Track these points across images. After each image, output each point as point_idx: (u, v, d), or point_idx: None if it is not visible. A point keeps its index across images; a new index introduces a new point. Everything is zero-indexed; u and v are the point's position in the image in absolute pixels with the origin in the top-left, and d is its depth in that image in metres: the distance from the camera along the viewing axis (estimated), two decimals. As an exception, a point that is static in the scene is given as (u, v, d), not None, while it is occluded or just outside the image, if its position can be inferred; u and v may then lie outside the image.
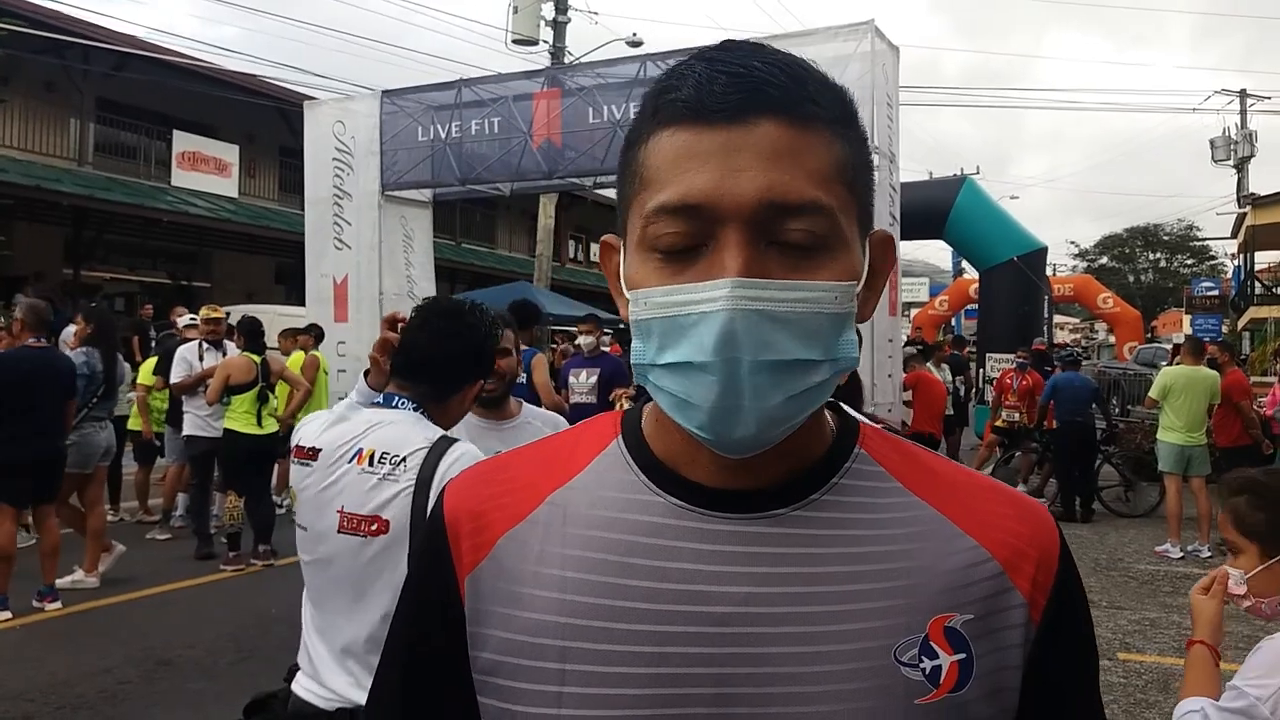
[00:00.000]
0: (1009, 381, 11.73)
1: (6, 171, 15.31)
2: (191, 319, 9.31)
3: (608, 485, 0.80)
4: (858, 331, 0.77)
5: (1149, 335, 32.43)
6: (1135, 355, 22.36)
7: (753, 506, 0.77)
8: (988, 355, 16.37)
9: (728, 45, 0.76)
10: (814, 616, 0.74)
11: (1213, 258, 45.55)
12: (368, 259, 9.69)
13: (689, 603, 0.75)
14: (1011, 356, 12.88)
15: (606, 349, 8.45)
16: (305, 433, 2.22)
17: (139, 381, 8.76)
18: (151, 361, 8.93)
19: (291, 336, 9.81)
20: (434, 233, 11.06)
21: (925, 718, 0.74)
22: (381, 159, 9.61)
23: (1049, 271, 21.06)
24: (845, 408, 0.87)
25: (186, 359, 8.03)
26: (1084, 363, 13.69)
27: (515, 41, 19.38)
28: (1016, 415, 11.52)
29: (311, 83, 33.45)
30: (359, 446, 2.11)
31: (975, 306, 21.06)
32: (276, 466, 8.26)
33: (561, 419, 3.01)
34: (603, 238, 0.84)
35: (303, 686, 2.13)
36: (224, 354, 8.04)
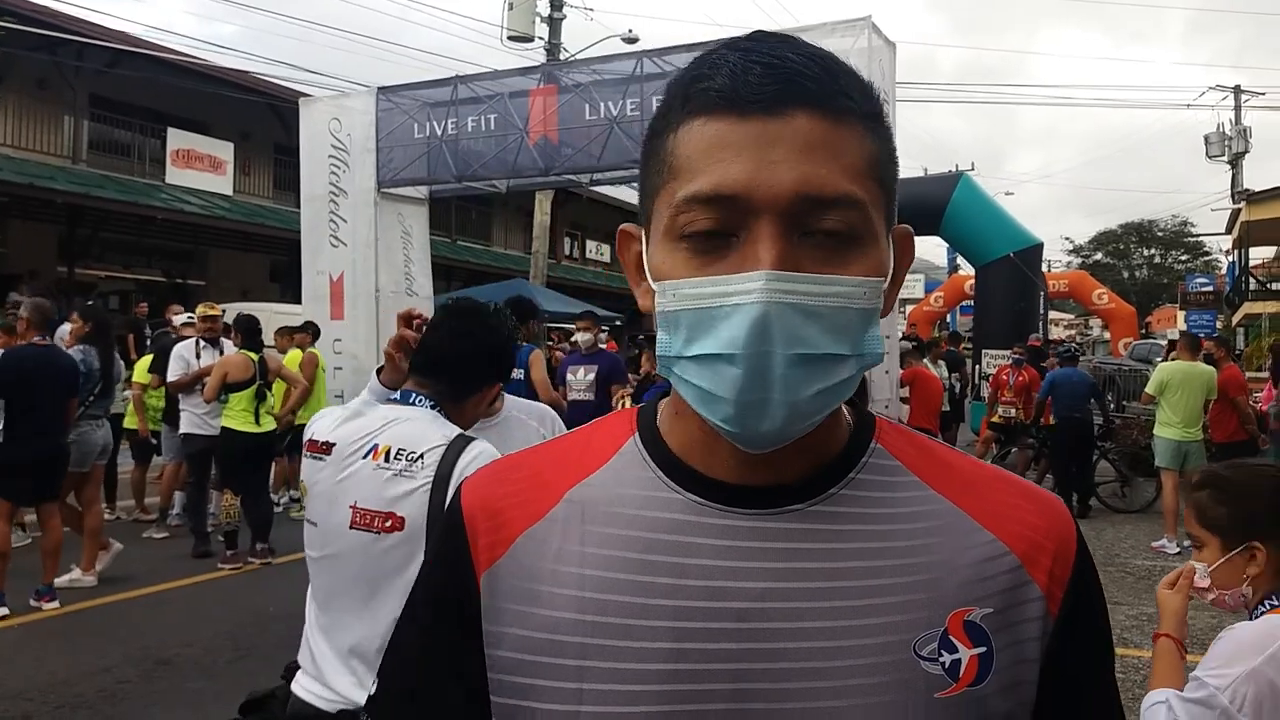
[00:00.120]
0: (1005, 377, 11.76)
1: (0, 169, 15.26)
2: (189, 317, 9.29)
3: (626, 483, 0.80)
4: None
5: (1144, 331, 32.48)
6: (1130, 351, 22.40)
7: (772, 502, 0.77)
8: (984, 351, 16.39)
9: (758, 36, 0.75)
10: (834, 611, 0.74)
11: (1207, 254, 45.70)
12: (364, 256, 9.66)
13: (709, 599, 0.75)
14: (1007, 352, 12.90)
15: (604, 346, 8.45)
16: (319, 427, 2.20)
17: (134, 380, 8.74)
18: (147, 360, 8.91)
19: (288, 334, 9.79)
20: (429, 230, 11.05)
21: (945, 711, 0.74)
22: (377, 156, 9.58)
23: (1044, 268, 21.09)
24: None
25: (183, 357, 8.01)
26: (1080, 359, 13.71)
27: (510, 38, 19.37)
28: (1013, 411, 11.54)
29: (306, 80, 33.57)
30: (374, 442, 2.09)
31: (970, 303, 21.10)
32: (274, 465, 8.24)
33: (547, 409, 3.00)
34: (621, 227, 0.83)
35: (303, 687, 2.11)
36: (221, 352, 8.03)
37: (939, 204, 16.57)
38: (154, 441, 8.98)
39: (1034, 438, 11.35)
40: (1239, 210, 23.50)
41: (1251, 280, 24.70)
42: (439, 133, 9.34)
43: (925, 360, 11.43)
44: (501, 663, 0.78)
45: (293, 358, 9.26)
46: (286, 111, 15.13)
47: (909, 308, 27.33)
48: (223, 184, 19.91)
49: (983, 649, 0.75)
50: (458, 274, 23.14)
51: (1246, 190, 24.71)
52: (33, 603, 6.15)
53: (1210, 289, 30.33)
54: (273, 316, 11.19)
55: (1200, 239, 45.91)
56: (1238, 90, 31.46)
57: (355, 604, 2.06)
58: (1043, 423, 10.96)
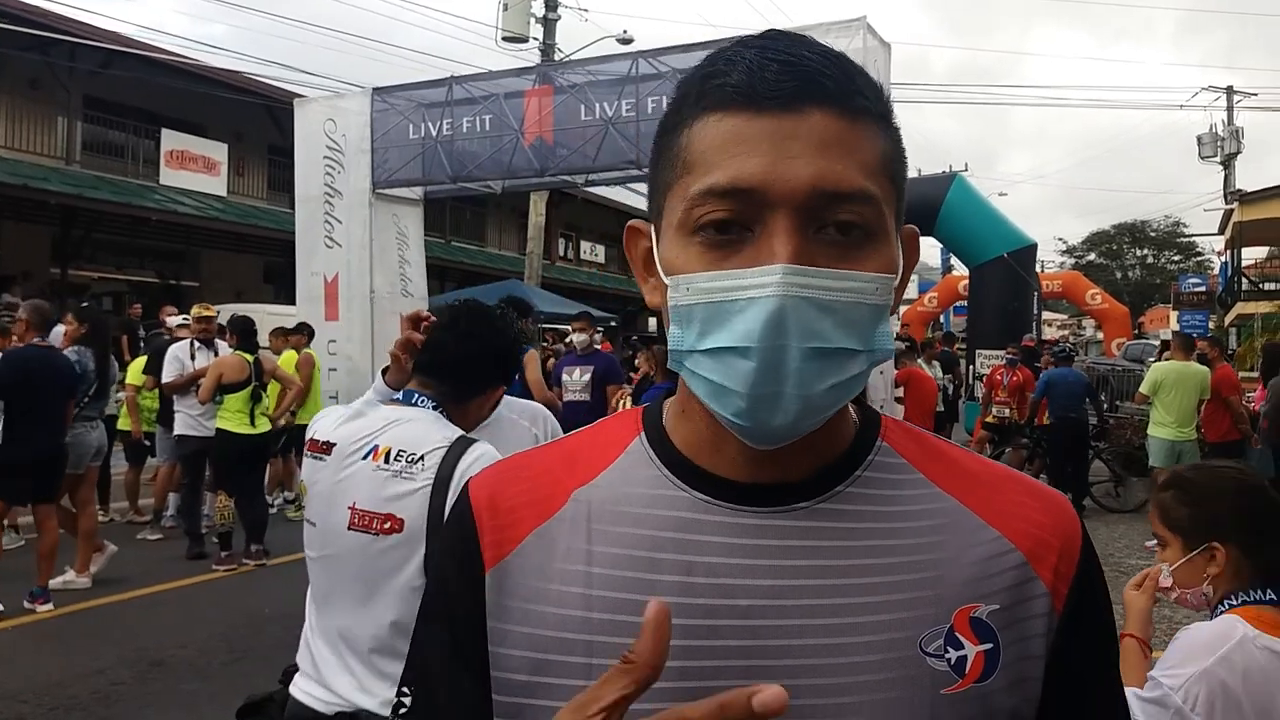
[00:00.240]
0: (999, 378, 11.77)
1: (-7, 170, 15.21)
2: (184, 318, 9.27)
3: (633, 482, 0.80)
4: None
5: (1137, 331, 32.60)
6: (1123, 351, 22.49)
7: (779, 500, 0.77)
8: (977, 352, 16.42)
9: (773, 34, 0.76)
10: (841, 608, 0.75)
11: (1200, 254, 45.88)
12: (358, 257, 9.65)
13: (717, 596, 0.75)
14: (1001, 353, 12.93)
15: (599, 347, 8.45)
16: (321, 426, 2.19)
17: (128, 381, 8.72)
18: (141, 361, 8.89)
19: (283, 336, 9.77)
20: (424, 231, 11.03)
21: (951, 708, 0.74)
22: (372, 157, 9.57)
23: (1037, 268, 21.15)
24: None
25: (178, 358, 7.99)
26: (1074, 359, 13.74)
27: (505, 39, 19.37)
28: (1007, 411, 11.56)
29: (301, 80, 33.50)
30: (375, 443, 2.08)
31: (964, 303, 21.13)
32: (269, 466, 8.23)
33: (540, 408, 2.98)
34: (629, 223, 0.83)
35: (302, 689, 2.10)
36: (215, 353, 8.01)
37: (933, 205, 16.59)
38: (148, 443, 8.96)
39: (1028, 438, 11.37)
40: (1231, 211, 23.59)
41: (1244, 280, 24.79)
42: (434, 133, 9.33)
43: (920, 360, 11.46)
44: (506, 661, 0.78)
45: (287, 359, 9.25)
46: (280, 112, 15.09)
47: (903, 308, 27.38)
48: (217, 185, 19.87)
49: (989, 645, 0.75)
50: (452, 275, 23.11)
51: (1239, 191, 24.79)
52: (27, 605, 6.13)
53: (1203, 289, 30.45)
54: (267, 318, 11.16)
55: (1193, 239, 46.13)
56: (1230, 91, 31.57)
57: (353, 604, 2.05)
58: (1037, 423, 10.99)
